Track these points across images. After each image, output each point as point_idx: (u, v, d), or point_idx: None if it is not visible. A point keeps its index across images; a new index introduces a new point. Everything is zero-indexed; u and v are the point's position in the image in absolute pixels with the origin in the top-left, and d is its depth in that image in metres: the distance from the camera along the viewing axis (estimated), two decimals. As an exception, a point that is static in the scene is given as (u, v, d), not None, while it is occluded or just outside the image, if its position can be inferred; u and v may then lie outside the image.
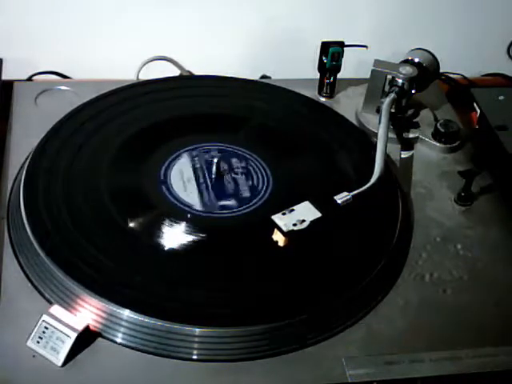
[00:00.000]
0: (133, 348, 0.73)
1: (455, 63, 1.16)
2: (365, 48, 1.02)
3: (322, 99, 1.06)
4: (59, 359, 0.71)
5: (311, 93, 1.05)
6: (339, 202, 0.81)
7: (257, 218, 0.83)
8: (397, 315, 0.78)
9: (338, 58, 1.02)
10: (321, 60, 1.03)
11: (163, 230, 0.81)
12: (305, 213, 0.79)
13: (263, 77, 1.16)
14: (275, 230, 0.78)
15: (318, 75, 1.05)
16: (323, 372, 0.73)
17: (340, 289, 0.78)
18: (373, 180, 0.84)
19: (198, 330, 0.73)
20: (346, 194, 0.82)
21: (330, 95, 1.06)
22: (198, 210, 0.83)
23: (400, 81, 0.97)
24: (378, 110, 0.96)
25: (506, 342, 0.77)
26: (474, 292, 0.82)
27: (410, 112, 1.02)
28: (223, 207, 0.84)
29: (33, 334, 0.72)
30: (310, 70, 1.05)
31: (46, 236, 0.79)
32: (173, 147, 0.91)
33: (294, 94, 1.03)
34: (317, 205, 0.80)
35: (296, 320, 0.75)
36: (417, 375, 0.73)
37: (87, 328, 0.73)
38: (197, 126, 0.95)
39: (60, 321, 0.72)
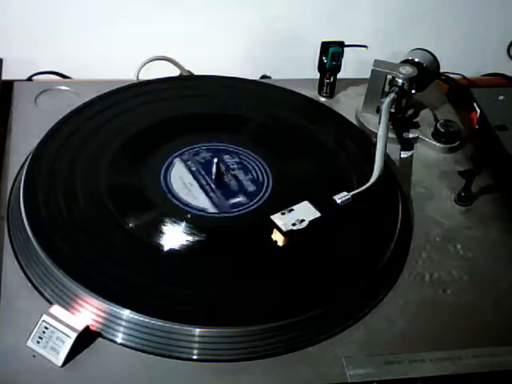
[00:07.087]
0: (133, 348, 0.73)
1: (455, 63, 1.16)
2: (365, 48, 1.02)
3: (322, 99, 1.06)
4: (59, 359, 0.71)
5: (311, 93, 1.05)
6: (338, 201, 0.81)
7: (256, 218, 0.83)
8: (397, 315, 0.78)
9: (338, 58, 1.02)
10: (321, 60, 1.03)
11: (163, 230, 0.81)
12: (304, 213, 0.79)
13: (263, 77, 1.16)
14: (274, 230, 0.78)
15: (318, 75, 1.05)
16: (323, 372, 0.73)
17: (340, 289, 0.78)
18: (372, 180, 0.84)
19: (197, 330, 0.73)
20: (345, 193, 0.82)
21: (330, 95, 1.06)
22: (196, 210, 0.83)
23: (400, 81, 0.97)
24: (378, 110, 0.96)
25: (506, 342, 0.77)
26: (474, 292, 0.82)
27: (410, 112, 1.02)
28: (220, 207, 0.84)
29: (33, 334, 0.72)
30: (310, 70, 1.05)
31: (45, 236, 0.79)
32: (172, 147, 0.91)
33: (294, 94, 1.03)
34: (316, 205, 0.80)
35: (296, 320, 0.75)
36: (417, 375, 0.73)
37: (87, 328, 0.73)
38: (197, 126, 0.95)
39: (60, 321, 0.72)
